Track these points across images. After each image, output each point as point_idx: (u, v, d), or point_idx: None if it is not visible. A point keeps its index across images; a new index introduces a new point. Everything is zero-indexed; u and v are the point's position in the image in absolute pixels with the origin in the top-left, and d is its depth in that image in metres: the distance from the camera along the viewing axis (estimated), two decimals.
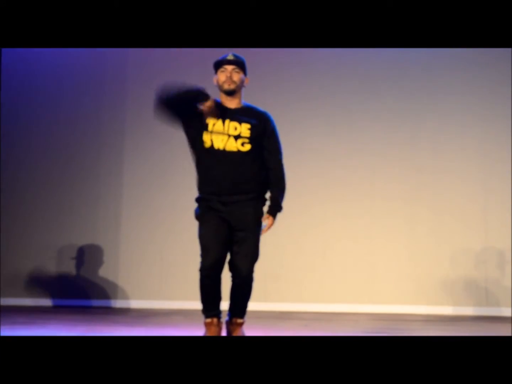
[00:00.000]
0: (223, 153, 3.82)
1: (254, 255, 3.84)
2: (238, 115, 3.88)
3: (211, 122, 3.84)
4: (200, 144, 3.86)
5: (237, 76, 3.88)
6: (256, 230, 3.84)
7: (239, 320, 3.95)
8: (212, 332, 3.83)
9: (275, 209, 3.92)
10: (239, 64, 3.91)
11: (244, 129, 3.85)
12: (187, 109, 3.82)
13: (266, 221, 3.88)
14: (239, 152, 3.83)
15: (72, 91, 7.08)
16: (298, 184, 6.67)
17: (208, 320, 3.87)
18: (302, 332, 4.77)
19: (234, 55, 3.93)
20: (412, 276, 6.45)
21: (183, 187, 6.44)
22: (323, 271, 6.56)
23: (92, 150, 7.00)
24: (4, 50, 6.35)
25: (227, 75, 3.87)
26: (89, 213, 6.93)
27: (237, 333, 3.91)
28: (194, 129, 3.88)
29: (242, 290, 3.89)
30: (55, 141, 7.05)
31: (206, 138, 3.85)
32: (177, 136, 6.84)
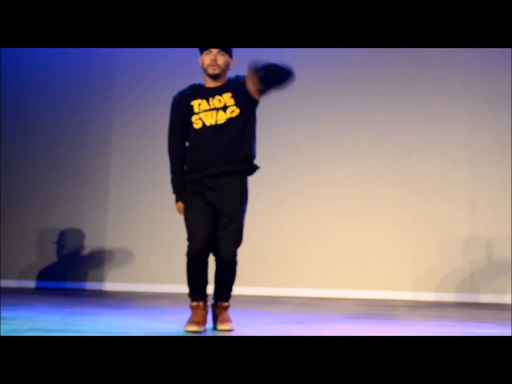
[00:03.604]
0: (215, 127, 3.81)
1: (237, 240, 3.83)
2: (219, 89, 3.88)
3: (195, 103, 3.85)
4: (190, 126, 3.86)
5: (222, 59, 3.85)
6: (240, 215, 3.83)
7: (225, 304, 3.96)
8: (198, 316, 3.84)
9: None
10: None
11: (227, 98, 3.84)
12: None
13: None
14: (229, 120, 3.82)
15: (62, 87, 7.12)
16: (287, 168, 6.69)
17: (194, 303, 3.88)
18: (289, 317, 4.79)
19: None
20: (400, 261, 6.48)
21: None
22: (310, 256, 6.58)
23: (80, 137, 7.02)
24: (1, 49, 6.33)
25: (212, 58, 3.84)
26: (76, 196, 6.93)
27: (222, 316, 3.92)
28: (184, 118, 3.89)
29: (226, 274, 3.90)
30: (43, 130, 7.09)
31: (195, 120, 3.85)
32: (164, 122, 6.86)
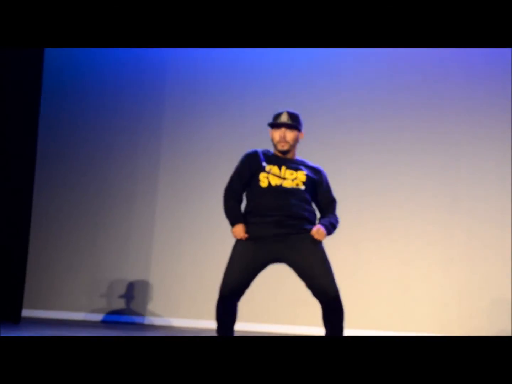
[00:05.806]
0: (279, 188, 3.84)
1: (330, 272, 3.84)
2: (294, 164, 3.94)
3: (268, 166, 3.89)
4: (256, 182, 3.88)
5: (290, 136, 3.92)
6: (318, 257, 3.84)
7: None
8: None
9: (329, 226, 3.93)
10: (294, 124, 3.93)
11: (301, 175, 3.91)
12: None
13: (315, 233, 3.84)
14: (295, 188, 3.87)
15: (108, 99, 7.08)
16: None
17: None
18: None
19: (288, 113, 3.95)
20: (450, 303, 6.36)
21: (219, 209, 6.42)
22: (355, 296, 6.45)
23: (126, 173, 6.99)
24: (46, 50, 6.33)
25: (281, 135, 3.91)
26: (121, 228, 6.93)
27: None
28: (251, 173, 3.92)
29: (334, 315, 3.88)
30: (90, 163, 7.04)
31: (263, 178, 3.88)
32: (217, 156, 6.76)
